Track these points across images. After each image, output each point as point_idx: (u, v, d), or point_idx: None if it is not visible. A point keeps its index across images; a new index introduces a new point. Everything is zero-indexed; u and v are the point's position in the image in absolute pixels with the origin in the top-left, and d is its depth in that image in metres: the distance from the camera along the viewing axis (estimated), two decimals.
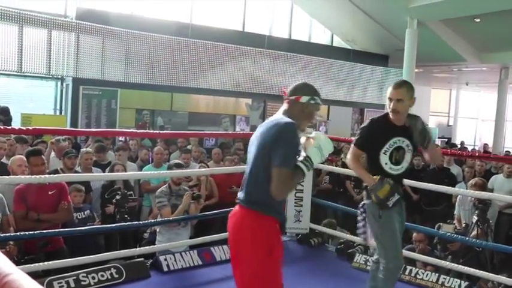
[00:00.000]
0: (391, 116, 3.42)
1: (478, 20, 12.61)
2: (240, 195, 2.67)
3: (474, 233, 5.43)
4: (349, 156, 3.53)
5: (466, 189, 6.84)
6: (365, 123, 3.55)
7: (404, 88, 3.40)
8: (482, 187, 5.91)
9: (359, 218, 3.58)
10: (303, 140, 2.69)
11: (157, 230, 5.13)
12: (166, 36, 11.43)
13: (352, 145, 3.53)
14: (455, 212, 6.27)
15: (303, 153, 2.64)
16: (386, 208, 3.35)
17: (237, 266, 2.65)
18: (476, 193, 5.24)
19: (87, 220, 5.06)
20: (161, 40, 11.34)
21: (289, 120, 2.61)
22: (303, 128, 2.76)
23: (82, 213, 5.08)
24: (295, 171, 2.55)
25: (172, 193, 5.23)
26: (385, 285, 3.42)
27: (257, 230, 2.56)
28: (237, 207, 2.70)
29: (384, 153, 3.39)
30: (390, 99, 3.40)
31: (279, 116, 2.71)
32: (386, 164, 3.40)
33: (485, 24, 12.74)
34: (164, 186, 5.34)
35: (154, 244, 5.01)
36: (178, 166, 5.39)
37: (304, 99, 2.72)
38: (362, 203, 3.56)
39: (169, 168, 5.48)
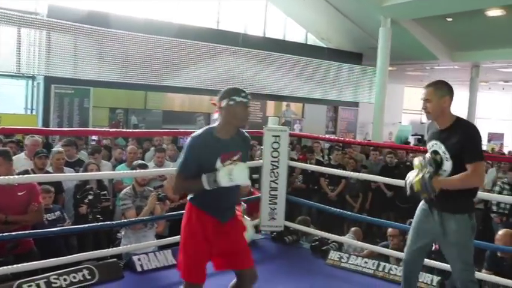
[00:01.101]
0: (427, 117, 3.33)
1: (450, 19, 12.80)
2: None
3: None
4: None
5: None
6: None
7: (432, 88, 3.31)
8: None
9: None
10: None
11: (123, 233, 5.03)
12: (140, 34, 11.32)
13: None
14: None
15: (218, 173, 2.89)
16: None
17: None
18: None
19: (57, 221, 4.95)
20: (135, 38, 11.22)
21: (198, 131, 3.00)
22: (236, 129, 3.03)
23: (52, 214, 4.98)
24: (197, 179, 2.90)
25: (137, 195, 5.13)
26: None
27: (185, 215, 3.09)
28: None
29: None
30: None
31: (209, 125, 3.08)
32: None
33: (457, 23, 12.94)
34: (128, 187, 5.24)
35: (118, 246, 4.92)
36: (142, 166, 5.27)
37: (223, 102, 2.96)
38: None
39: (133, 168, 5.37)
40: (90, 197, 5.07)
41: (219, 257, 3.10)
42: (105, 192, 5.81)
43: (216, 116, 3.02)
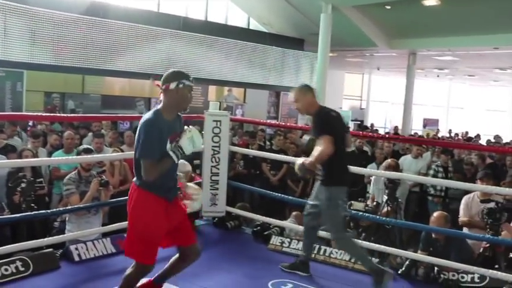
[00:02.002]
0: None
1: (388, 7, 13.09)
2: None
3: (384, 210, 5.66)
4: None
5: (377, 169, 7.13)
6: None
7: (297, 90, 4.01)
8: (395, 168, 6.16)
9: None
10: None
11: (67, 218, 4.91)
12: (77, 15, 10.89)
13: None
14: (370, 191, 6.49)
15: (180, 142, 3.07)
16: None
17: None
18: (387, 173, 5.46)
19: None
20: (71, 19, 10.79)
21: (149, 115, 3.06)
22: (181, 112, 3.20)
23: None
24: (166, 158, 3.03)
25: (82, 180, 5.02)
26: None
27: (137, 201, 3.11)
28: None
29: None
30: None
31: (153, 109, 3.13)
32: None
33: (395, 11, 13.25)
34: (73, 172, 5.10)
35: (64, 233, 4.78)
36: (87, 151, 5.14)
37: (172, 85, 3.06)
38: None
39: (78, 153, 5.21)
40: (23, 185, 4.84)
41: (167, 235, 3.21)
42: (41, 179, 5.58)
43: (161, 98, 3.11)
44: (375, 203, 5.94)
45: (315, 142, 3.82)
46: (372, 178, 6.55)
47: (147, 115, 3.08)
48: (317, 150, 3.69)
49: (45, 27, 10.42)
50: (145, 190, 3.10)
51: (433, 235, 4.71)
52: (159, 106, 3.11)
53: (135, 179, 3.17)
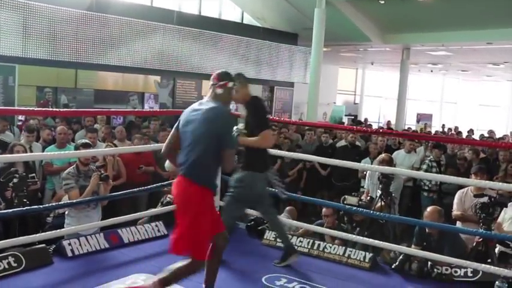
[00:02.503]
0: None
1: (382, 2, 13.07)
2: (185, 169, 3.23)
3: (378, 205, 5.67)
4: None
5: (371, 164, 7.14)
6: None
7: (236, 82, 3.92)
8: (389, 162, 6.17)
9: None
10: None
11: (66, 212, 4.90)
12: (69, 9, 10.80)
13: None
14: (364, 186, 6.49)
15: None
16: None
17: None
18: (381, 168, 5.46)
19: None
20: (63, 13, 10.70)
21: (221, 107, 3.31)
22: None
23: None
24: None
25: (80, 174, 5.02)
26: None
27: (200, 198, 3.21)
28: (180, 177, 3.27)
29: None
30: None
31: (214, 102, 3.33)
32: None
33: (389, 6, 13.24)
34: (71, 167, 5.09)
35: (58, 228, 4.75)
36: (85, 146, 5.14)
37: (230, 84, 3.41)
38: None
39: (77, 148, 5.21)
40: (15, 180, 4.81)
41: None
42: (34, 174, 5.54)
43: (216, 91, 3.37)
44: (368, 198, 5.94)
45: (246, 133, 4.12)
46: (367, 173, 6.55)
47: (218, 107, 3.29)
48: (259, 140, 4.07)
49: (37, 21, 10.32)
50: (205, 187, 3.23)
51: (427, 230, 4.72)
52: (217, 102, 3.33)
53: (189, 176, 3.21)
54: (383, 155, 6.47)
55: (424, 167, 7.91)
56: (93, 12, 11.25)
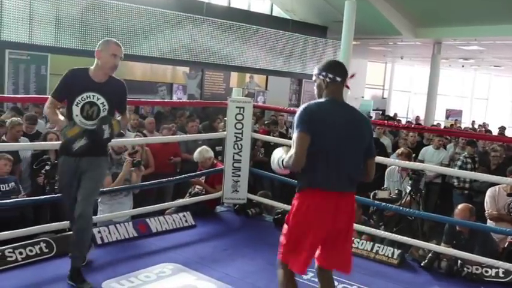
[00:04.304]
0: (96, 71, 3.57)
1: None
2: (346, 185, 2.85)
3: (407, 200, 5.58)
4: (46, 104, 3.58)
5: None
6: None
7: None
8: (409, 156, 6.06)
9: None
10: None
11: (99, 200, 4.98)
12: (101, 0, 10.92)
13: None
14: (385, 185, 6.34)
15: None
16: (69, 152, 3.47)
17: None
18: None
19: (11, 193, 4.76)
20: (95, 3, 10.81)
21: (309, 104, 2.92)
22: None
23: (6, 185, 4.79)
24: None
25: (113, 162, 5.09)
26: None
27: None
28: (340, 195, 2.83)
29: (76, 105, 3.46)
30: (115, 55, 3.55)
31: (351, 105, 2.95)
32: (77, 115, 3.48)
33: None
34: None
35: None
36: (118, 135, 5.21)
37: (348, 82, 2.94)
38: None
39: None
40: (47, 167, 4.89)
41: None
42: None
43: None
44: (396, 191, 5.82)
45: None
46: (386, 172, 6.38)
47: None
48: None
49: (69, 11, 10.46)
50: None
51: (457, 228, 4.64)
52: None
53: (352, 187, 2.91)
54: (402, 149, 6.35)
55: (459, 163, 7.69)
56: (124, 3, 11.33)
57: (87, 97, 3.45)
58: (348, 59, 13.20)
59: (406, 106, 25.61)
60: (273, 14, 15.94)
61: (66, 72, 3.51)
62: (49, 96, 3.57)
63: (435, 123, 18.20)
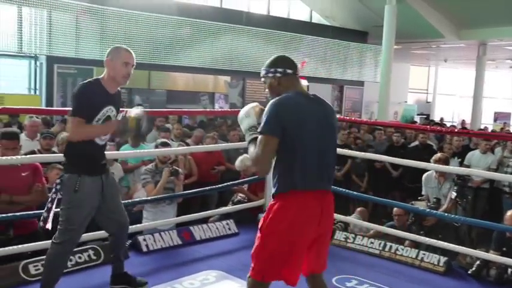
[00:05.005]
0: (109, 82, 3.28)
1: None
2: (327, 183, 2.67)
3: (445, 207, 5.45)
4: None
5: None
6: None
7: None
8: (445, 161, 5.91)
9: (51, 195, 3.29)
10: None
11: (144, 207, 5.10)
12: (143, 12, 11.19)
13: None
14: (422, 192, 6.18)
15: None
16: (96, 170, 3.19)
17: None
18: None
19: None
20: (137, 17, 11.10)
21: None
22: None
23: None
24: None
25: (158, 171, 5.21)
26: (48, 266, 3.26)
27: None
28: (323, 194, 2.63)
29: (97, 121, 3.15)
30: (127, 63, 3.30)
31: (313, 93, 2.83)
32: None
33: (464, 0, 12.73)
34: (151, 164, 5.33)
35: (135, 224, 4.93)
36: (164, 145, 5.43)
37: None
38: (59, 176, 3.26)
39: (156, 146, 5.51)
40: None
41: None
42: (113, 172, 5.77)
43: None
44: (434, 199, 5.69)
45: None
46: (423, 178, 6.22)
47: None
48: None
49: (113, 25, 10.78)
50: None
51: (507, 234, 4.50)
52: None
53: (329, 185, 2.71)
54: (439, 154, 6.16)
55: (509, 170, 7.45)
56: (165, 15, 11.58)
57: (106, 111, 3.17)
58: (390, 64, 13.06)
59: (451, 110, 25.02)
60: (313, 20, 15.94)
61: (79, 88, 3.15)
62: (71, 119, 3.14)
63: (482, 126, 17.72)
